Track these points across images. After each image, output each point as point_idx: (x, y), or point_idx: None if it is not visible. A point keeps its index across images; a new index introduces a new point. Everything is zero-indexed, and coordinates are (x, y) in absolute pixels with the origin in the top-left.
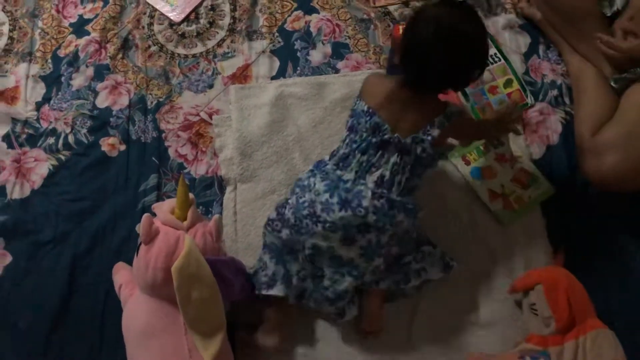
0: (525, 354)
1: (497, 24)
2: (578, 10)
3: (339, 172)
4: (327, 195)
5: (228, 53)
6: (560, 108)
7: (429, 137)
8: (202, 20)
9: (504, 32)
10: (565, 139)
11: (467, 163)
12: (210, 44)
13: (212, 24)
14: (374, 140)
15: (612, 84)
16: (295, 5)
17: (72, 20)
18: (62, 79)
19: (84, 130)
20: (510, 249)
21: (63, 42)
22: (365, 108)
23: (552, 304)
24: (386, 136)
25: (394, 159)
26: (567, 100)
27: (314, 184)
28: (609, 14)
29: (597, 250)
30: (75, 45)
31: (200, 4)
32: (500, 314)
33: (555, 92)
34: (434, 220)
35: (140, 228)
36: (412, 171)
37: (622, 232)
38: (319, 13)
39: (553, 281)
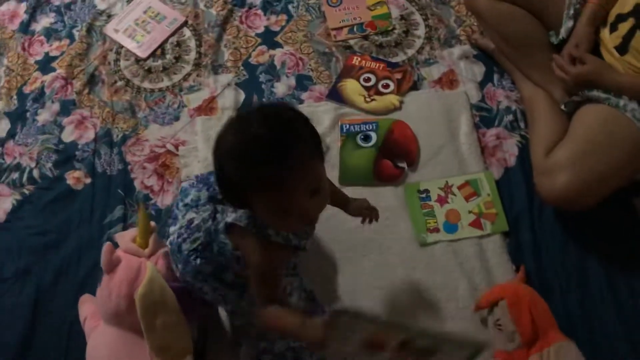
0: None
1: (452, 54)
2: (528, 40)
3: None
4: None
5: (194, 86)
6: (515, 132)
7: None
8: (168, 56)
9: (459, 62)
10: (522, 160)
11: (437, 230)
12: (176, 78)
13: (178, 59)
14: None
15: (562, 107)
16: (259, 40)
17: (38, 58)
18: (28, 114)
19: (49, 165)
20: (473, 268)
21: (29, 79)
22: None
23: (515, 318)
24: None
25: None
26: (522, 124)
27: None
28: (555, 43)
29: (556, 264)
30: (41, 82)
31: (166, 41)
32: (467, 332)
33: (510, 117)
34: (393, 246)
35: (101, 257)
36: None
37: (578, 246)
38: (282, 47)
39: (516, 296)
